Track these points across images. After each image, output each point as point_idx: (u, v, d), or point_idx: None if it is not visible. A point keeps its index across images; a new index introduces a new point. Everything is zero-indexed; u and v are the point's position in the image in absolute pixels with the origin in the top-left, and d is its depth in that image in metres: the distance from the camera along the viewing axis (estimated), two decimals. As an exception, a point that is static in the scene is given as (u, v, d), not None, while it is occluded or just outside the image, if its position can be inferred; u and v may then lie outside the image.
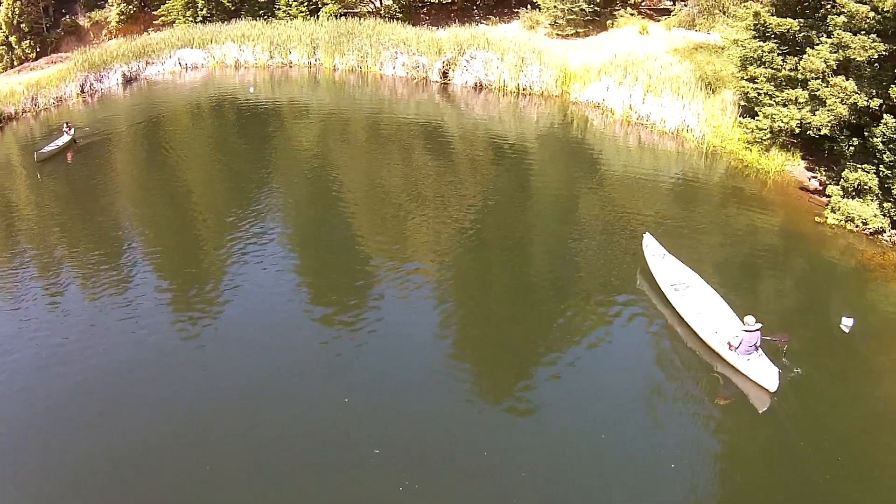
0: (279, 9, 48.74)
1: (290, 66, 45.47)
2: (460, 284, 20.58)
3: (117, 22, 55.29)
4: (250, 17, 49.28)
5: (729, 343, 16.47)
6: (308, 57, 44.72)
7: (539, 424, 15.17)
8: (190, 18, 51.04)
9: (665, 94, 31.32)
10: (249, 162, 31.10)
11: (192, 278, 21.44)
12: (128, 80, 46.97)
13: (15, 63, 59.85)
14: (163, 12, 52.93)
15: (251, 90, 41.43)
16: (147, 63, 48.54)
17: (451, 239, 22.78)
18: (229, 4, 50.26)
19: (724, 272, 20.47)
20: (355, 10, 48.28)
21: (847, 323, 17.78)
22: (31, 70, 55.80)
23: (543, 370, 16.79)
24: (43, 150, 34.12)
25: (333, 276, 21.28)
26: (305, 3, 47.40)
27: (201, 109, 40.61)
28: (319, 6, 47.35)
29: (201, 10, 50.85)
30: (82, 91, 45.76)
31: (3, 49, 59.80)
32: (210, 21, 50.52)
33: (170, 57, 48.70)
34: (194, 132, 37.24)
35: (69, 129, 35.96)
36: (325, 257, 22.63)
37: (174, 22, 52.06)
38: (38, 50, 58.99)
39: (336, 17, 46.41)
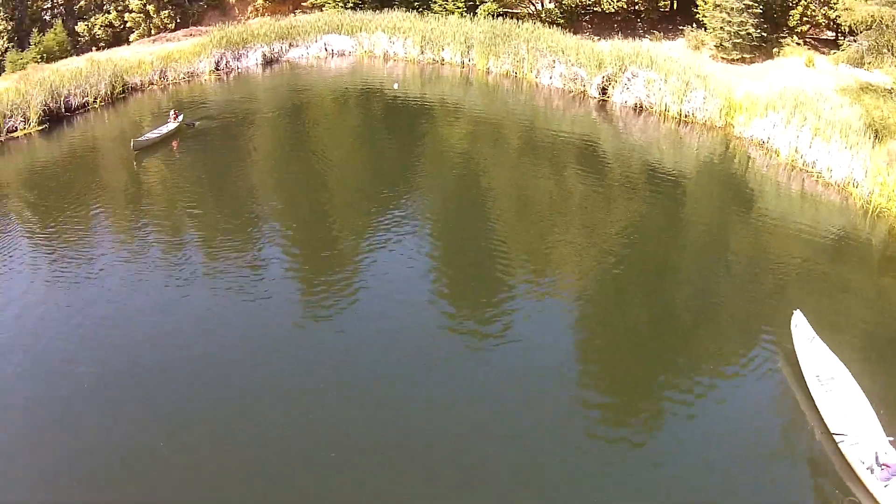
0: (435, 2, 49.95)
1: (442, 64, 46.54)
2: (593, 307, 21.65)
3: (264, 0, 57.45)
4: (403, 8, 50.58)
5: (874, 464, 14.98)
6: (461, 56, 45.60)
7: (633, 487, 15.24)
8: (340, 3, 52.72)
9: (834, 140, 30.84)
10: (391, 158, 32.73)
11: (317, 272, 23.07)
12: (268, 62, 48.38)
13: (152, 32, 61.32)
14: (313, -6, 54.59)
15: (395, 86, 42.47)
16: (291, 45, 49.99)
17: (590, 259, 23.88)
18: (383, -8, 51.55)
19: (871, 357, 19.31)
20: (514, 11, 49.17)
21: None
22: (166, 41, 57.03)
23: (656, 425, 17.15)
24: (142, 139, 32.76)
25: (465, 286, 22.50)
26: (463, 0, 48.42)
27: (344, 99, 41.99)
28: (477, 3, 48.20)
29: (353, -5, 52.39)
30: (217, 68, 46.59)
31: (140, 17, 61.30)
32: (361, 8, 52.03)
33: (315, 41, 50.20)
34: (334, 122, 38.71)
35: (176, 117, 34.98)
36: (460, 265, 23.74)
37: (323, 6, 53.83)
38: (177, 21, 60.44)
39: (493, 16, 47.20)
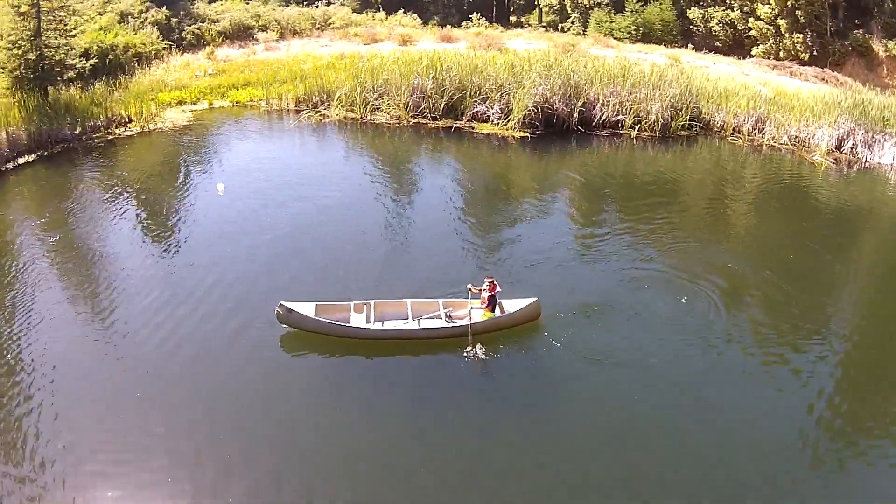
0: None
1: None
2: None
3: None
4: None
5: None
6: None
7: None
8: None
9: None
10: None
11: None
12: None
13: (779, 55, 55.56)
14: None
15: None
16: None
17: None
18: None
19: None
20: None
21: None
22: (787, 73, 51.62)
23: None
24: (295, 312, 18.64)
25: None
26: None
27: None
28: None
29: None
30: (838, 149, 36.30)
31: (767, 30, 55.74)
32: None
33: None
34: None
35: (493, 294, 19.77)
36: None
37: None
38: (813, 53, 54.14)
39: None
